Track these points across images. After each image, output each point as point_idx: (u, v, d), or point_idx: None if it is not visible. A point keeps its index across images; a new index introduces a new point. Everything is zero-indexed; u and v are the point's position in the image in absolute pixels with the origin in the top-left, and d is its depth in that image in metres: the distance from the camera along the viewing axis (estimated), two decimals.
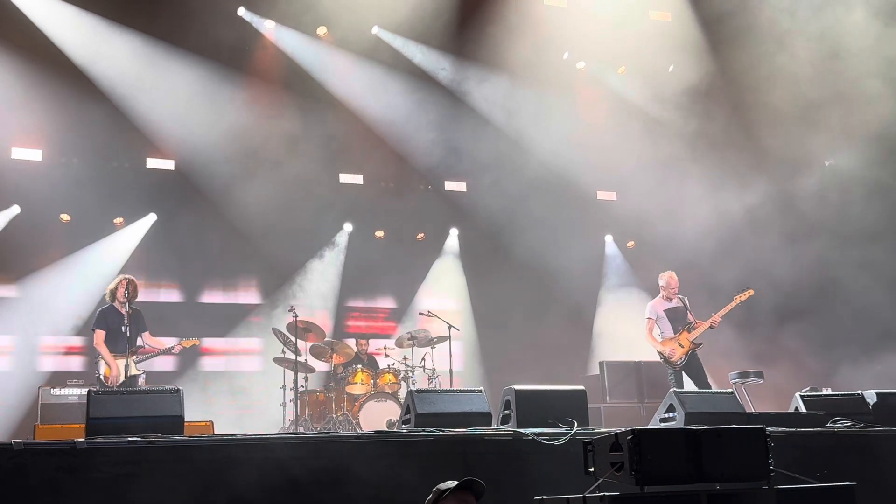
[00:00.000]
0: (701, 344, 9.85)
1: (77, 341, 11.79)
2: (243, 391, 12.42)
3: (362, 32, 12.92)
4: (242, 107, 12.34)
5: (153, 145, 12.32)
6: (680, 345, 9.80)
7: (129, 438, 5.32)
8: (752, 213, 13.25)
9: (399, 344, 11.35)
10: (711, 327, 9.78)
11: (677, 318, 9.99)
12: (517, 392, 6.72)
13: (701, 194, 13.09)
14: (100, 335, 8.86)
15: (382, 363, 11.45)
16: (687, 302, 10.06)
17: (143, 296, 11.69)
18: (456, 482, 4.24)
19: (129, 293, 8.89)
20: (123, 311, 8.87)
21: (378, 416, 10.10)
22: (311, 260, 13.31)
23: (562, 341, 13.28)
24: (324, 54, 13.05)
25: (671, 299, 10.13)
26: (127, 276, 9.29)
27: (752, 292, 10.01)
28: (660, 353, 9.95)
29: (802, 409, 7.37)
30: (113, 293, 9.04)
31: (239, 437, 5.77)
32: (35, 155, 11.94)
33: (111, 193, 12.13)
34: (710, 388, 9.74)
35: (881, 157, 12.41)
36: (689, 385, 9.72)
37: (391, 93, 13.18)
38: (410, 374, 10.99)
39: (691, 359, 9.83)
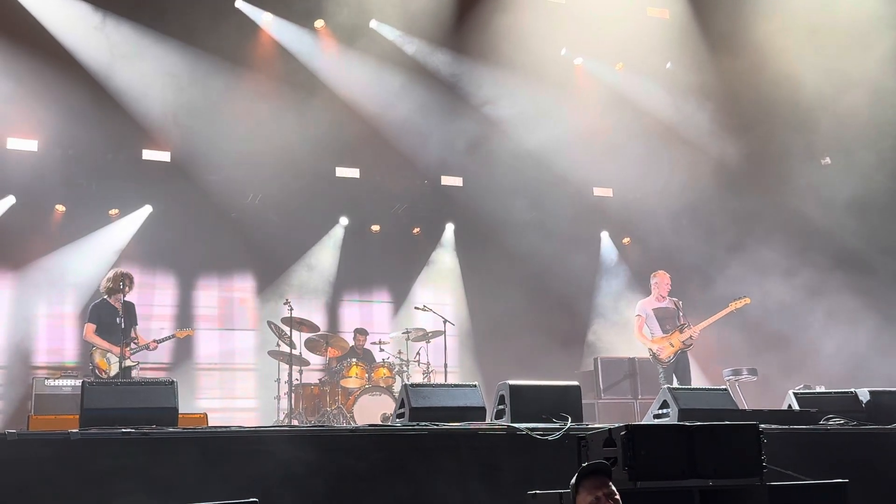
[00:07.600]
0: (691, 345, 9.86)
1: (72, 332, 11.77)
2: (238, 384, 12.41)
3: (360, 26, 12.88)
4: (239, 99, 12.30)
5: (149, 137, 12.27)
6: (671, 344, 9.81)
7: (124, 430, 5.31)
8: (748, 210, 13.25)
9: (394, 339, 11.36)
10: (691, 338, 9.76)
11: (667, 318, 9.98)
12: (511, 387, 6.71)
13: (698, 191, 13.08)
14: (90, 328, 8.91)
15: (377, 357, 11.46)
16: (680, 305, 10.04)
17: (138, 287, 11.71)
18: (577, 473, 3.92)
19: (129, 288, 8.95)
20: (118, 304, 8.89)
21: (372, 410, 10.09)
22: (307, 253, 13.30)
23: (556, 337, 13.28)
24: (321, 47, 13.02)
25: (663, 299, 10.13)
26: (122, 270, 9.29)
27: (748, 300, 9.94)
28: (650, 350, 9.97)
29: (796, 407, 7.39)
30: (110, 290, 9.03)
31: (233, 429, 5.77)
32: (30, 145, 11.86)
33: (107, 185, 12.12)
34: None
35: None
36: (675, 384, 9.72)
37: (388, 86, 13.14)
38: (405, 369, 11.01)
39: (680, 358, 9.83)
